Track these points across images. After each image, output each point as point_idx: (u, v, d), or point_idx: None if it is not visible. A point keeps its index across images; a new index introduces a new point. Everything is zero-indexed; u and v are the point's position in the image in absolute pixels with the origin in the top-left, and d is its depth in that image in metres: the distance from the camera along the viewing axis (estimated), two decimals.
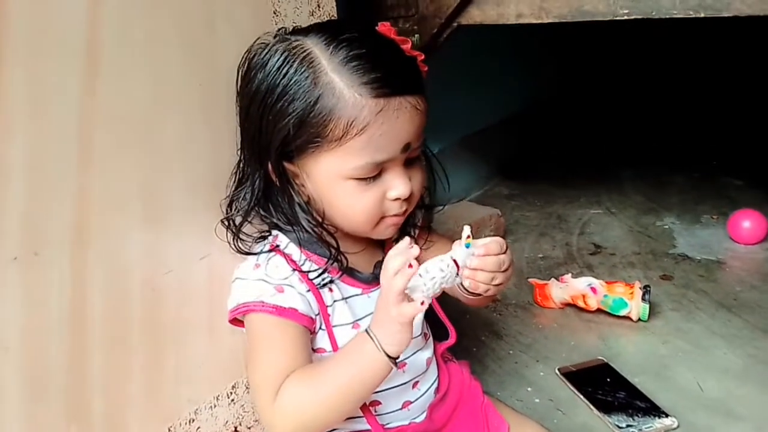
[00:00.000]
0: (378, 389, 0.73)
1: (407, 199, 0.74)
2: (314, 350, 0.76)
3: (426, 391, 0.83)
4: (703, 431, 0.99)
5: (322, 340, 0.76)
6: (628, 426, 0.99)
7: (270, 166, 0.73)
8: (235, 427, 0.87)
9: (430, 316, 0.85)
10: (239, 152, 0.78)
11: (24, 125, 0.60)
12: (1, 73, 0.57)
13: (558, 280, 1.37)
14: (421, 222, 0.86)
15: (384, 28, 0.74)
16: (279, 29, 0.77)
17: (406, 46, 0.73)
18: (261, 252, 0.76)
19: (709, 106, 2.73)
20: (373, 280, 0.80)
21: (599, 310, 1.31)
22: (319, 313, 0.75)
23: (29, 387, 0.63)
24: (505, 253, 0.72)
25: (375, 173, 0.71)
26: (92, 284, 0.68)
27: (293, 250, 0.76)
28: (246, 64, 0.74)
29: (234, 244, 0.77)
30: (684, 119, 2.69)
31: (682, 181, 2.08)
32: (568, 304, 1.35)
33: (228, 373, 0.86)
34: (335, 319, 0.76)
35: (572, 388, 1.09)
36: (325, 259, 0.75)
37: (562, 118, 2.56)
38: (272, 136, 0.70)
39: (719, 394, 1.07)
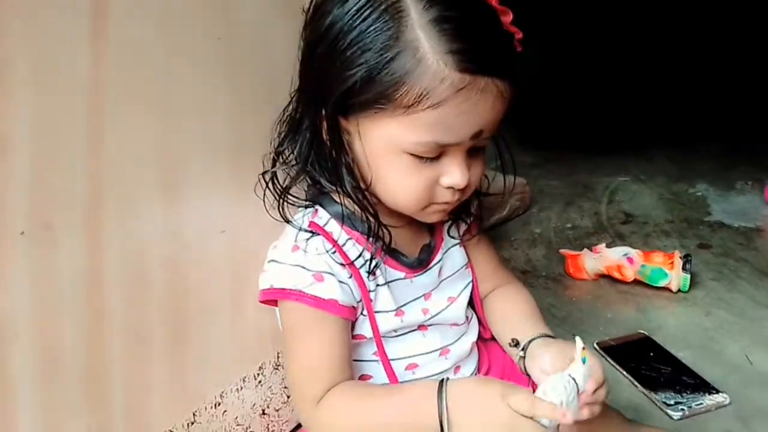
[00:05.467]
0: (418, 375, 0.68)
1: (462, 189, 0.67)
2: (354, 336, 0.71)
3: (468, 375, 0.78)
4: (756, 407, 0.94)
5: (363, 326, 0.70)
6: (676, 403, 0.94)
7: (323, 116, 0.65)
8: (263, 410, 0.82)
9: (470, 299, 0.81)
10: (293, 94, 0.69)
11: (28, 90, 0.53)
12: (3, 38, 0.51)
13: (591, 250, 1.31)
14: (476, 211, 0.80)
15: None
16: None
17: (507, 18, 0.64)
18: (301, 229, 0.70)
19: (736, 69, 2.62)
20: (417, 264, 0.74)
21: (636, 281, 1.25)
22: (360, 300, 0.69)
23: (43, 375, 0.57)
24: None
25: (435, 154, 0.63)
26: (109, 261, 0.62)
27: (334, 227, 0.70)
28: None
29: (278, 208, 0.70)
30: (708, 83, 2.59)
31: (712, 146, 2.01)
32: (603, 276, 1.29)
33: (254, 353, 0.81)
34: (378, 305, 0.70)
35: (613, 363, 1.04)
36: (366, 237, 0.69)
37: (576, 82, 2.46)
38: (334, 84, 0.62)
39: None
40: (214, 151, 0.71)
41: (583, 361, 0.61)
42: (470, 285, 0.80)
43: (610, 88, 2.51)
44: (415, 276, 0.74)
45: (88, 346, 0.61)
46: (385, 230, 0.69)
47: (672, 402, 0.94)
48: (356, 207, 0.68)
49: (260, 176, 0.70)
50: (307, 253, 0.67)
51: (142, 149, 0.64)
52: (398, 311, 0.71)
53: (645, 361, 1.04)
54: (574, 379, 0.60)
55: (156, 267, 0.67)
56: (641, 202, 1.68)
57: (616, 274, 1.26)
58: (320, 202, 0.71)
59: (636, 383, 0.99)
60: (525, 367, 0.71)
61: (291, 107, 0.70)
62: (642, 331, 1.11)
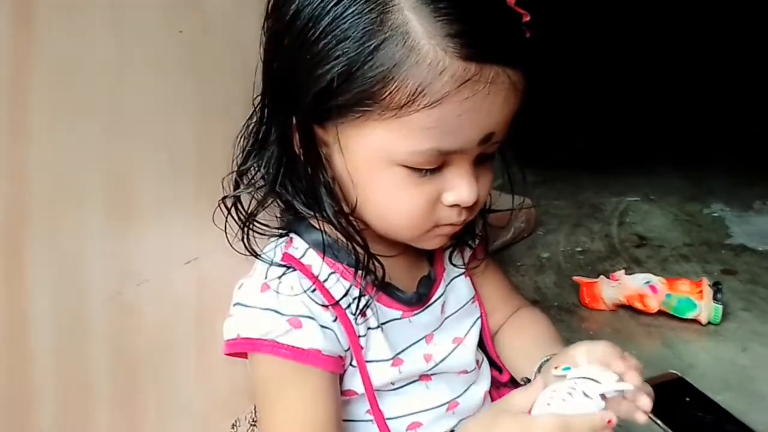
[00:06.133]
0: None
1: (469, 207, 0.55)
2: (342, 392, 0.58)
3: None
4: None
5: (353, 380, 0.58)
6: None
7: (294, 125, 0.53)
8: None
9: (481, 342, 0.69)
10: (257, 101, 0.58)
11: None
12: None
13: (608, 277, 1.18)
14: (482, 231, 0.69)
15: None
16: None
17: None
18: (272, 263, 0.57)
19: (746, 82, 2.53)
20: (416, 301, 0.62)
21: (660, 312, 1.12)
22: (349, 348, 0.57)
23: None
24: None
25: (436, 165, 0.52)
26: (35, 297, 0.49)
27: (313, 259, 0.57)
28: None
29: (243, 239, 0.58)
30: (718, 96, 2.49)
31: (724, 163, 1.90)
32: (622, 306, 1.17)
33: (226, 407, 0.68)
34: (370, 353, 0.58)
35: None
36: (353, 270, 0.57)
37: (579, 95, 2.36)
38: (306, 84, 0.50)
39: None
40: (175, 164, 0.58)
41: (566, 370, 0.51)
42: (479, 321, 0.68)
43: (614, 102, 2.41)
44: (414, 314, 0.61)
45: (8, 404, 0.48)
46: (376, 262, 0.56)
47: None
48: (339, 234, 0.55)
49: (220, 202, 0.58)
50: (280, 294, 0.55)
51: (81, 159, 0.51)
52: (395, 359, 0.59)
53: (680, 406, 0.90)
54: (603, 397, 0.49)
55: (98, 303, 0.54)
56: (654, 223, 1.56)
57: (638, 305, 1.13)
58: (295, 230, 0.59)
59: None
60: None
61: (255, 116, 0.58)
62: (673, 371, 0.98)
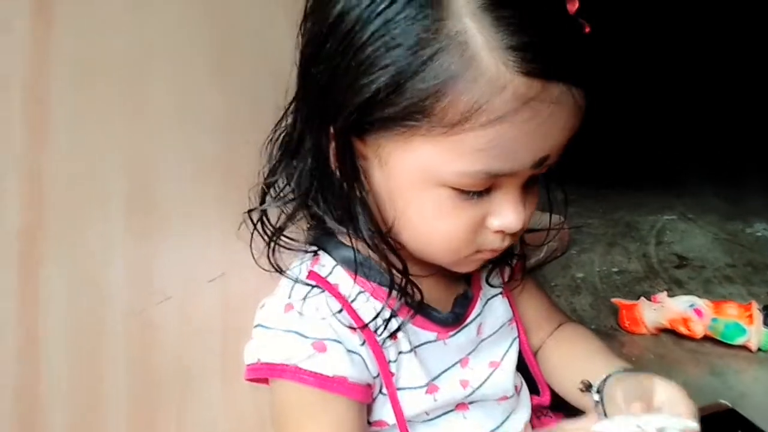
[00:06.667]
0: None
1: (513, 233, 0.51)
2: (371, 423, 0.54)
3: None
4: None
5: (383, 410, 0.54)
6: None
7: (331, 136, 0.49)
8: None
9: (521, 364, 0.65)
10: (290, 107, 0.53)
11: None
12: None
13: (649, 299, 1.12)
14: (520, 250, 0.65)
15: None
16: None
17: (573, 7, 0.47)
18: (296, 280, 0.54)
19: None
20: (453, 321, 0.58)
21: (705, 338, 1.06)
22: (378, 374, 0.53)
23: None
24: None
25: (484, 188, 0.48)
26: (48, 309, 0.46)
27: (341, 278, 0.54)
28: None
29: (268, 255, 0.54)
30: (754, 110, 2.42)
31: (763, 180, 1.83)
32: (664, 330, 1.11)
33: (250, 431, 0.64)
34: (402, 380, 0.54)
35: None
36: (386, 290, 0.52)
37: (611, 110, 2.30)
38: (348, 93, 0.46)
39: None
40: (199, 172, 0.55)
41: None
42: (516, 343, 0.64)
43: (647, 117, 2.35)
44: (450, 336, 0.57)
45: (19, 415, 0.45)
46: (414, 287, 0.52)
47: None
48: (372, 253, 0.51)
49: (245, 215, 0.54)
50: (304, 315, 0.51)
51: (99, 162, 0.48)
52: (430, 386, 0.55)
53: None
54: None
55: (117, 325, 0.51)
56: (694, 243, 1.50)
57: (682, 329, 1.07)
58: (323, 246, 0.55)
59: None
60: (606, 414, 0.55)
61: (286, 123, 0.53)
62: (724, 402, 0.92)
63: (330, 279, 0.54)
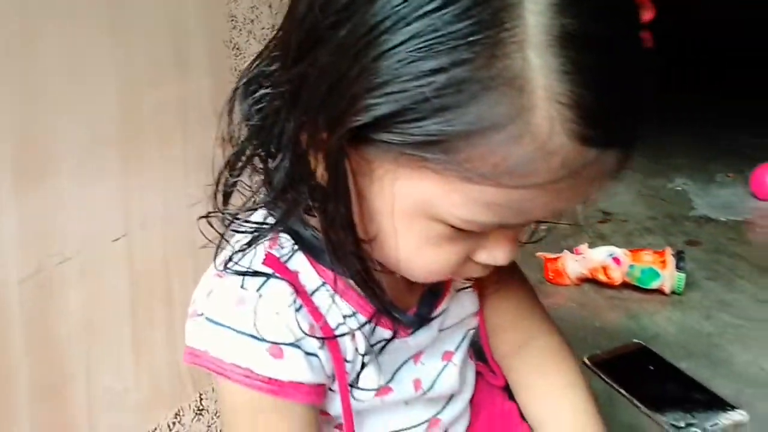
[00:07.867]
0: None
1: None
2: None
3: None
4: None
5: (331, 405, 0.50)
6: (688, 425, 0.79)
7: (325, 141, 0.39)
8: None
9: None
10: (266, 84, 0.43)
11: None
12: None
13: (572, 252, 1.16)
14: None
15: None
16: None
17: (647, 36, 0.37)
18: (247, 273, 0.45)
19: (704, 56, 2.55)
20: (417, 322, 0.52)
21: (624, 284, 1.12)
22: (333, 375, 0.48)
23: None
24: None
25: (483, 230, 0.41)
26: None
27: (301, 265, 0.47)
28: None
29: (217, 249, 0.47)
30: (674, 71, 2.51)
31: (684, 138, 1.91)
32: (587, 279, 1.15)
33: (167, 398, 0.64)
34: (355, 379, 0.50)
35: (607, 380, 0.89)
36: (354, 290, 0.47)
37: None
38: (360, 102, 0.35)
39: None
40: (96, 132, 0.54)
41: None
42: (470, 333, 0.60)
43: None
44: (410, 334, 0.52)
45: None
46: (377, 287, 0.45)
47: (682, 424, 0.80)
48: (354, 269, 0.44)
49: (207, 217, 0.46)
50: (259, 314, 0.44)
51: None
52: (383, 389, 0.51)
53: (644, 375, 0.89)
54: None
55: (13, 287, 0.50)
56: (618, 199, 1.56)
57: (602, 277, 1.12)
58: (283, 220, 0.46)
59: (637, 402, 0.84)
60: None
61: (265, 106, 0.43)
62: (637, 341, 0.97)
63: (289, 265, 0.46)
